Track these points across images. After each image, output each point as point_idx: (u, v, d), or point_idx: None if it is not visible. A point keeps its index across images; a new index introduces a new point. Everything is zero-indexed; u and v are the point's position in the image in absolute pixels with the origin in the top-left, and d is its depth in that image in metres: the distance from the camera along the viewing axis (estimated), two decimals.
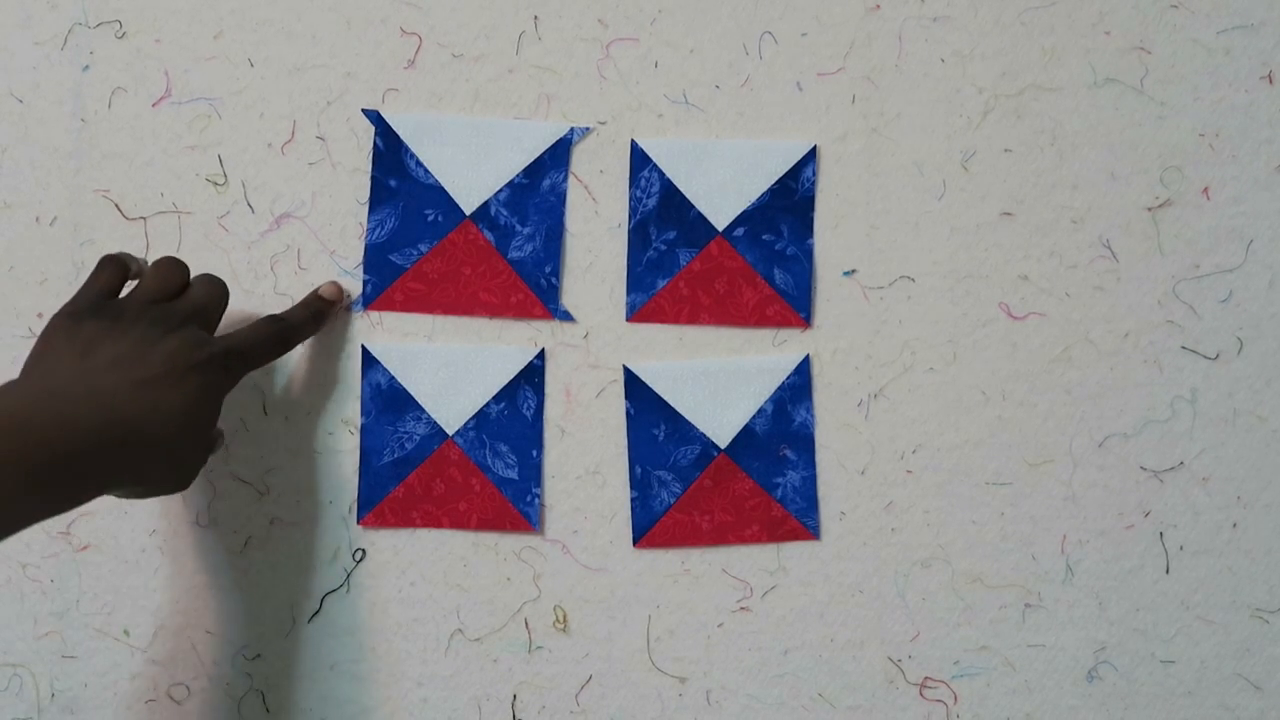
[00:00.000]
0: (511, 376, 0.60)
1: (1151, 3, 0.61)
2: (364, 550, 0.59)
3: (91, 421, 0.45)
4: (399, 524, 0.59)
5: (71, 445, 0.44)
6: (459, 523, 0.59)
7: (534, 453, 0.60)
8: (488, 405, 0.60)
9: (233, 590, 0.59)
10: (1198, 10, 0.61)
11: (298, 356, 0.60)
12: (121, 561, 0.59)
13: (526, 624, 0.59)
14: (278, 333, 0.55)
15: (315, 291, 0.59)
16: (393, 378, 0.59)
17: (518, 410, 0.60)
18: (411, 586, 0.59)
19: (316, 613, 0.59)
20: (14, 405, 0.44)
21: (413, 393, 0.59)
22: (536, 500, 0.59)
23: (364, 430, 0.59)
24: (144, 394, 0.47)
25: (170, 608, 0.59)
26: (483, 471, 0.59)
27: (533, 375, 0.60)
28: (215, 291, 0.54)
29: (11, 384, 0.47)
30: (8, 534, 0.43)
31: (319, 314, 0.58)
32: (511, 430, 0.60)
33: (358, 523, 0.59)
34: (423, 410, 0.60)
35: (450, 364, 0.60)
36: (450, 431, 0.60)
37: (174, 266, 0.53)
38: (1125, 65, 0.61)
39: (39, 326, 0.59)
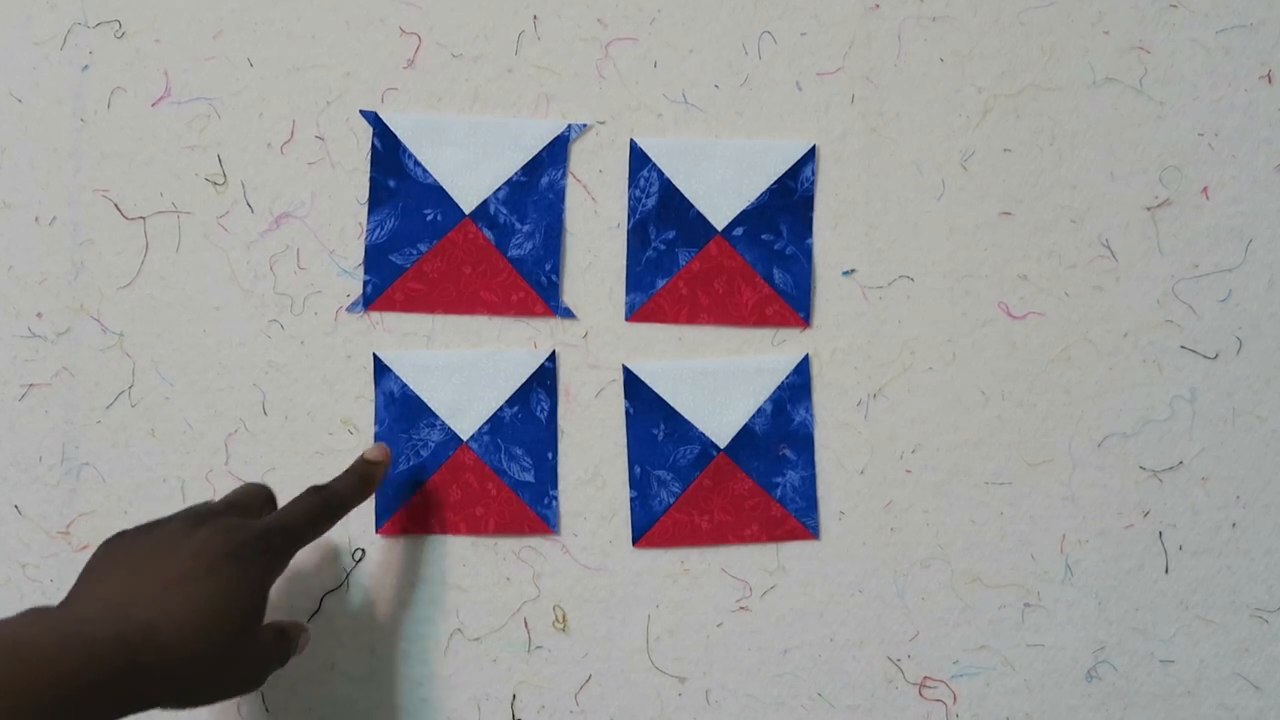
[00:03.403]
0: (524, 380, 0.60)
1: (1150, 2, 0.61)
2: (363, 550, 0.59)
3: (106, 639, 0.41)
4: (417, 531, 0.59)
5: (83, 668, 0.39)
6: (476, 528, 0.59)
7: (549, 455, 0.60)
8: (501, 409, 0.60)
9: None
10: (1197, 10, 0.61)
11: (297, 357, 0.60)
12: None
13: (526, 624, 0.59)
14: (323, 503, 0.51)
15: (361, 456, 0.55)
16: (405, 385, 0.59)
17: (531, 413, 0.60)
18: (411, 586, 0.59)
19: (316, 612, 0.59)
20: (23, 631, 0.40)
21: (426, 400, 0.59)
22: (554, 503, 0.59)
23: (378, 439, 0.59)
24: (167, 596, 0.43)
25: None
26: (499, 476, 0.59)
27: (544, 378, 0.60)
28: (255, 489, 0.52)
29: (34, 610, 0.43)
30: None
31: (367, 478, 0.54)
32: (526, 433, 0.60)
33: (376, 531, 0.59)
34: (436, 417, 0.59)
35: (462, 369, 0.60)
36: (465, 437, 0.60)
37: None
38: (1124, 65, 0.61)
39: (39, 326, 0.60)
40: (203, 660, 0.43)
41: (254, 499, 0.52)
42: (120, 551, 0.46)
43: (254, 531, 0.47)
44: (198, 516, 0.48)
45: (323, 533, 0.51)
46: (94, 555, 0.47)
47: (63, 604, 0.45)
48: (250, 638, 0.46)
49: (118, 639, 0.41)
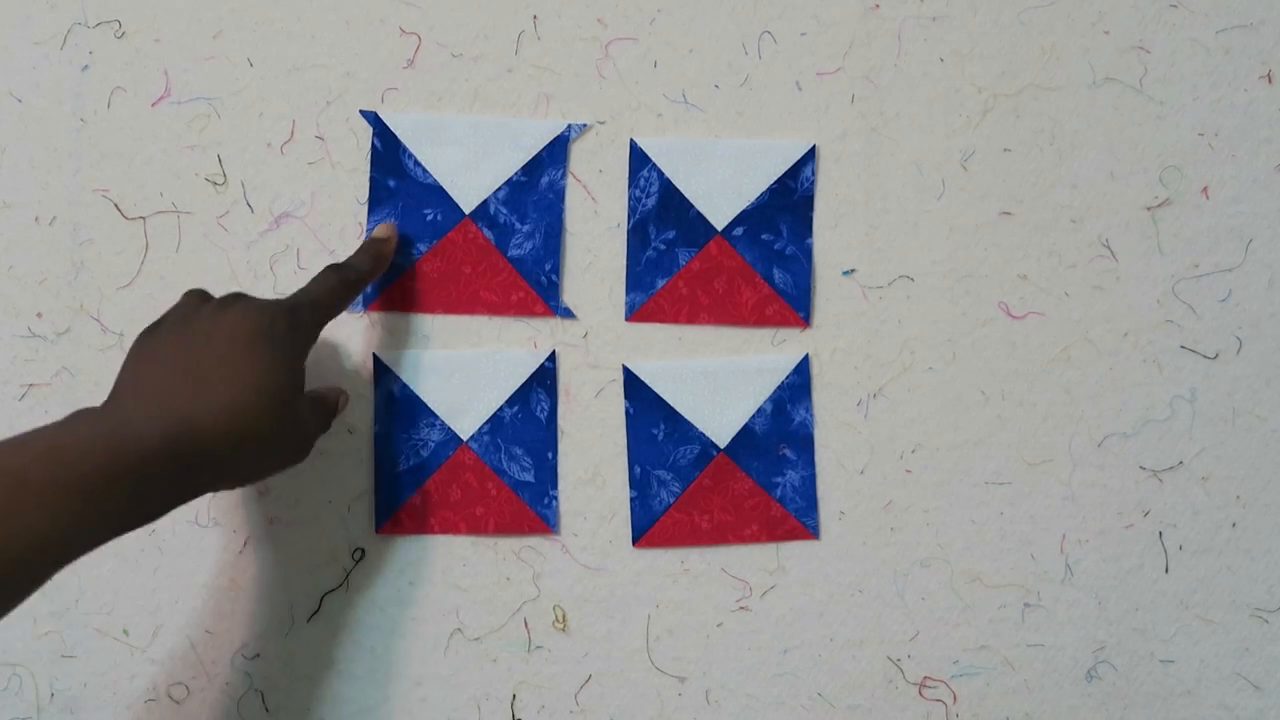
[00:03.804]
0: (524, 380, 0.60)
1: (1150, 2, 0.61)
2: (363, 550, 0.59)
3: (149, 436, 0.43)
4: (417, 531, 0.59)
5: (129, 466, 0.42)
6: (476, 528, 0.59)
7: (549, 455, 0.59)
8: (501, 409, 0.60)
9: (232, 590, 0.59)
10: (1197, 10, 0.61)
11: None
12: (121, 561, 0.59)
13: (526, 623, 0.59)
14: (341, 279, 0.53)
15: (370, 235, 0.58)
16: (405, 385, 0.59)
17: (531, 413, 0.60)
18: (410, 586, 0.59)
19: (315, 612, 0.59)
20: (67, 434, 0.42)
21: (426, 400, 0.59)
22: (554, 502, 0.59)
23: (378, 438, 0.59)
24: (203, 385, 0.45)
25: (170, 607, 0.59)
26: (499, 476, 0.59)
27: (544, 378, 0.60)
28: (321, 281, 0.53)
29: (78, 412, 0.45)
30: (70, 558, 0.42)
31: (379, 255, 0.57)
32: (526, 433, 0.60)
33: (376, 531, 0.59)
34: (436, 417, 0.59)
35: (462, 369, 0.60)
36: (465, 437, 0.60)
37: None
38: (1124, 65, 0.61)
39: (39, 326, 0.60)
40: (245, 442, 0.45)
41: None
42: (154, 345, 0.47)
43: (282, 308, 0.48)
44: (225, 301, 0.49)
45: (344, 307, 0.54)
46: (130, 352, 0.48)
47: (105, 403, 0.46)
48: (289, 412, 0.47)
49: (160, 435, 0.43)
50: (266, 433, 0.46)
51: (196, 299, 0.51)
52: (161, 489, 0.44)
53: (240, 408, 0.45)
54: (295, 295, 0.51)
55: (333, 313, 0.53)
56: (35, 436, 0.42)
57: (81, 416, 0.44)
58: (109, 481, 0.41)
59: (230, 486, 0.47)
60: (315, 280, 0.53)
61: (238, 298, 0.49)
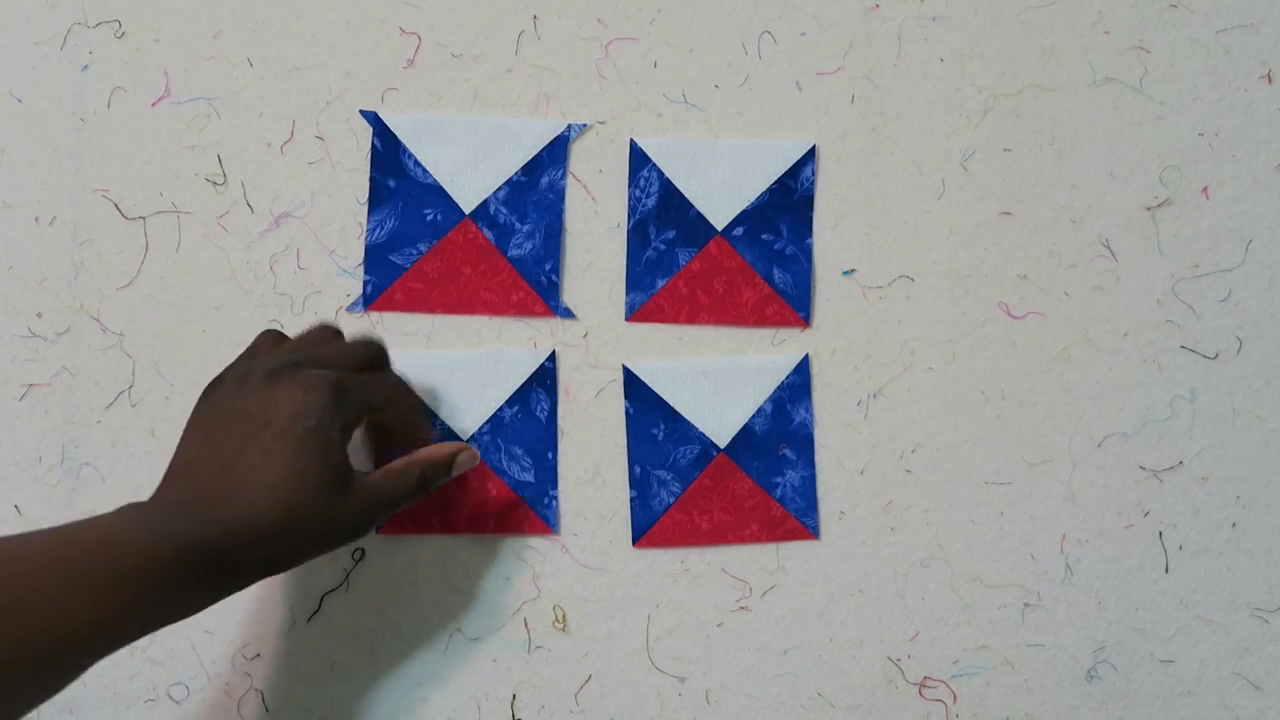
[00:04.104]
0: (524, 380, 0.60)
1: (1150, 2, 0.61)
2: (363, 550, 0.59)
3: (187, 535, 0.43)
4: (418, 531, 0.59)
5: (165, 562, 0.42)
6: (477, 528, 0.59)
7: (549, 455, 0.59)
8: (501, 409, 0.60)
9: None
10: (1197, 9, 0.61)
11: None
12: None
13: (525, 624, 0.59)
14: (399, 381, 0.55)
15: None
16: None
17: (531, 413, 0.60)
18: (410, 586, 0.59)
19: (316, 612, 0.59)
20: (114, 527, 0.43)
21: (426, 400, 0.59)
22: (554, 502, 0.59)
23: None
24: (239, 486, 0.45)
25: None
26: (499, 476, 0.59)
27: (544, 378, 0.60)
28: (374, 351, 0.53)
29: (129, 505, 0.45)
30: (109, 649, 0.42)
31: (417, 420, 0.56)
32: (525, 433, 0.59)
33: (376, 531, 0.59)
34: (437, 417, 0.59)
35: (462, 369, 0.60)
36: (465, 437, 0.59)
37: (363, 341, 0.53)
38: (1124, 65, 0.61)
39: (39, 326, 0.60)
40: (286, 541, 0.45)
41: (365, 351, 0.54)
42: (207, 420, 0.48)
43: (327, 390, 0.47)
44: (274, 372, 0.48)
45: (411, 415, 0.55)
46: (190, 417, 0.48)
47: (156, 494, 0.46)
48: (332, 502, 0.47)
49: (202, 540, 0.43)
50: (307, 528, 0.46)
51: (267, 344, 0.51)
52: (206, 586, 0.44)
53: (276, 511, 0.45)
54: (342, 372, 0.50)
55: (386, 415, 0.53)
56: (86, 527, 0.43)
57: (132, 510, 0.45)
58: (151, 579, 0.42)
59: (283, 571, 0.48)
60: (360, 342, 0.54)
61: (293, 369, 0.48)
